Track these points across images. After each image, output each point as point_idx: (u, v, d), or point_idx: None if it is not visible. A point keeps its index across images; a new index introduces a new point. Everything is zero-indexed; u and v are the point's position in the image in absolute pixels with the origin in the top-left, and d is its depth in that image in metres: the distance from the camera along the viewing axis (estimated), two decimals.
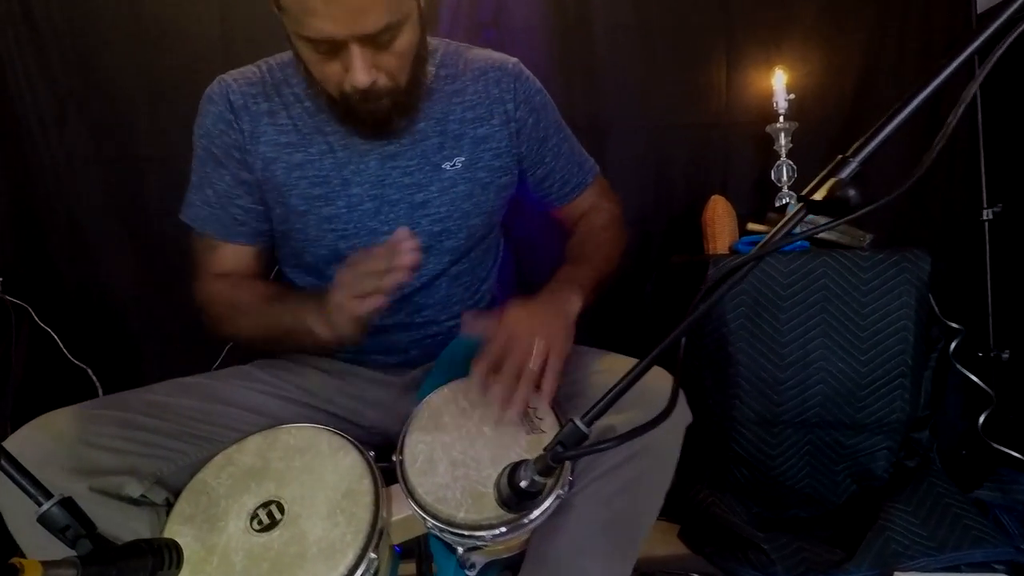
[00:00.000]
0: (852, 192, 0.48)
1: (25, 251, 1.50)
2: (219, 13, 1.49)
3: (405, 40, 0.79)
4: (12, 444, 0.69)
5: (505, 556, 0.79)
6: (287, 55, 0.92)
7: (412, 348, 0.97)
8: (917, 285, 1.33)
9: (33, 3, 1.45)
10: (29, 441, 0.69)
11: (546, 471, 0.58)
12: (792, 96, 1.56)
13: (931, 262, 1.34)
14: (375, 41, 0.75)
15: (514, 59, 0.98)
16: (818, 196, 0.49)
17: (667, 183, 1.66)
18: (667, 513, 0.82)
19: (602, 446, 0.56)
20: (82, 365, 1.43)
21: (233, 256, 0.93)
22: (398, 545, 0.79)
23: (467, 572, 0.76)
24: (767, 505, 1.39)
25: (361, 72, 0.76)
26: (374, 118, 0.83)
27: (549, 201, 1.05)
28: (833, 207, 0.49)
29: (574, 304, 0.85)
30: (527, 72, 0.99)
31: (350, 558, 0.66)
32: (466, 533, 0.69)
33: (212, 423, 0.82)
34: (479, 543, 0.70)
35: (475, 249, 0.99)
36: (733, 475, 1.39)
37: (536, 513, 0.69)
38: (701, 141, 1.66)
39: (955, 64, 0.49)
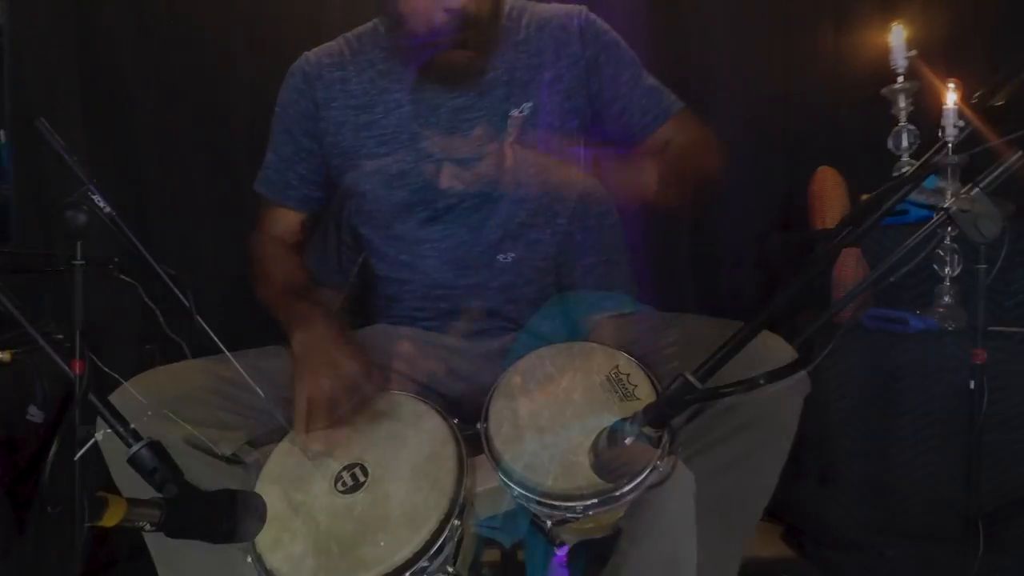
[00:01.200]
0: None
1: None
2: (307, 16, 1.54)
3: None
4: (113, 398, 0.71)
5: (597, 536, 0.74)
6: (366, 26, 0.99)
7: (492, 315, 0.95)
8: None
9: (144, 7, 1.55)
10: (128, 394, 0.71)
11: (658, 420, 0.51)
12: (913, 53, 1.39)
13: None
14: None
15: (582, 7, 0.97)
16: (999, 100, 0.40)
17: (768, 155, 1.55)
18: (770, 513, 0.75)
19: (726, 391, 0.50)
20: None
21: (277, 219, 1.01)
22: (485, 523, 0.76)
23: (556, 551, 0.71)
24: (885, 508, 1.25)
25: None
26: (464, 51, 0.84)
27: (630, 135, 0.98)
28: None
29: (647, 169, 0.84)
30: (595, 17, 0.97)
31: (433, 523, 0.64)
32: (555, 503, 0.64)
33: None
34: (568, 515, 0.65)
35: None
36: (847, 473, 1.26)
37: (630, 486, 0.63)
38: (806, 108, 1.54)
39: None
